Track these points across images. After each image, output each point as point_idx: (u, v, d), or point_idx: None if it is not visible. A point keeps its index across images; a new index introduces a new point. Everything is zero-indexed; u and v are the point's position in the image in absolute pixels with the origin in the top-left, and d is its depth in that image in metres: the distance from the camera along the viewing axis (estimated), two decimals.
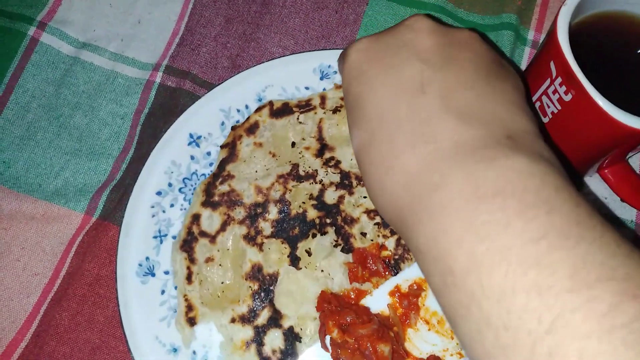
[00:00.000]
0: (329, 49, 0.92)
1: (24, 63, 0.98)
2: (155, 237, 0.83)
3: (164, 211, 0.85)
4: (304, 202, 0.84)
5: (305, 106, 0.89)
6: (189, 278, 0.80)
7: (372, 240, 0.82)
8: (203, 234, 0.83)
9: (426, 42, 0.57)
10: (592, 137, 0.73)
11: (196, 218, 0.83)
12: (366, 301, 0.80)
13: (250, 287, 0.80)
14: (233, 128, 0.88)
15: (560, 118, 0.75)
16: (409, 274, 0.81)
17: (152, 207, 0.84)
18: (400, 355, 0.76)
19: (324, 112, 0.89)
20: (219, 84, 0.90)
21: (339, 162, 0.86)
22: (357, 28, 1.00)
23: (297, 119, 0.89)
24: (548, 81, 0.73)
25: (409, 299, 0.80)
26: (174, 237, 0.84)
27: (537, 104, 0.78)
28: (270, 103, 0.89)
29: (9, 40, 0.98)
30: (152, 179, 0.85)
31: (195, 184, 0.86)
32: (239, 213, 0.84)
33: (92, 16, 1.01)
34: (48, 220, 0.88)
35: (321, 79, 0.91)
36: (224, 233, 0.83)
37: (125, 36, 1.00)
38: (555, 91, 0.72)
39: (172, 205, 0.85)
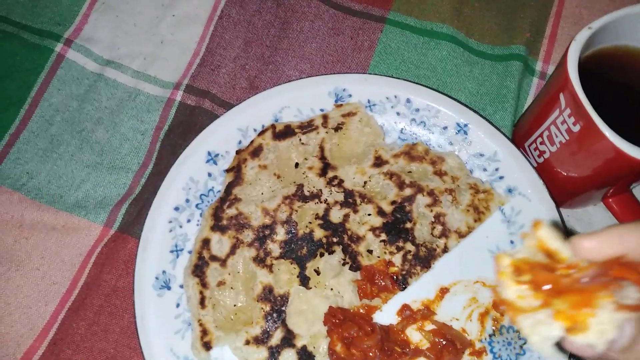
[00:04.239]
0: (344, 73, 0.95)
1: (50, 78, 1.01)
2: (172, 251, 0.86)
3: (180, 226, 0.87)
4: (310, 222, 0.86)
5: (307, 127, 0.92)
6: (202, 302, 0.82)
7: (378, 257, 0.84)
8: (214, 258, 0.85)
9: None
10: (598, 167, 0.75)
11: (206, 243, 0.85)
12: (375, 318, 0.83)
13: (262, 308, 0.82)
14: (237, 152, 0.91)
15: (568, 148, 0.78)
16: (417, 294, 0.84)
17: (170, 222, 0.87)
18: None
19: (326, 132, 0.92)
20: (237, 104, 0.93)
21: (342, 181, 0.89)
22: (371, 54, 1.03)
23: (300, 140, 0.91)
24: (557, 112, 0.76)
25: (414, 319, 0.83)
26: (190, 252, 0.86)
27: (546, 134, 0.81)
28: (273, 126, 0.92)
29: (37, 56, 1.02)
30: (170, 194, 0.88)
31: (212, 200, 0.89)
32: (248, 236, 0.86)
33: (117, 35, 1.05)
34: (68, 231, 0.91)
35: (336, 101, 0.94)
36: (233, 256, 0.85)
37: (148, 55, 1.04)
38: (564, 122, 0.75)
39: (188, 221, 0.88)
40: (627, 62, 0.80)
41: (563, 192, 0.86)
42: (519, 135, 0.92)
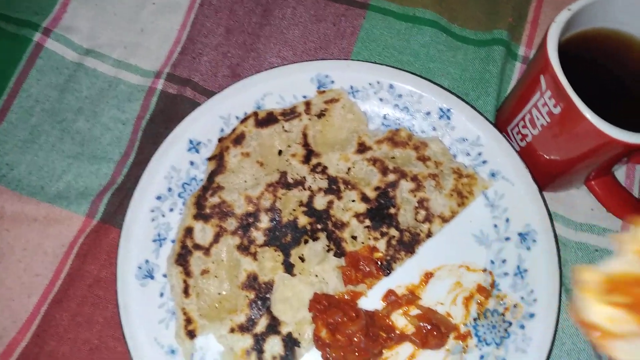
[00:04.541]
0: (326, 59, 0.94)
1: (28, 68, 1.00)
2: (154, 240, 0.85)
3: (163, 215, 0.87)
4: (294, 209, 0.86)
5: (290, 114, 0.91)
6: (186, 291, 0.81)
7: (363, 243, 0.84)
8: (197, 246, 0.84)
9: None
10: (579, 149, 0.75)
11: (189, 231, 0.85)
12: (360, 304, 0.82)
13: (246, 296, 0.81)
14: (220, 140, 0.90)
15: (550, 130, 0.78)
16: (402, 279, 0.84)
17: (152, 211, 0.86)
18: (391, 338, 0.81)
19: (309, 118, 0.91)
20: (219, 92, 0.92)
21: (325, 167, 0.89)
22: (354, 40, 1.03)
23: (282, 127, 0.91)
24: (538, 94, 0.76)
25: (399, 304, 0.83)
26: (172, 241, 0.85)
27: (527, 117, 0.81)
28: (255, 113, 0.91)
29: (15, 46, 1.00)
30: (152, 183, 0.87)
31: (194, 188, 0.88)
32: (231, 224, 0.85)
33: (96, 24, 1.04)
34: (50, 222, 0.90)
35: (318, 88, 0.93)
36: (217, 244, 0.84)
37: (128, 44, 1.03)
38: (545, 104, 0.75)
39: (171, 210, 0.87)
40: (606, 45, 0.80)
41: (546, 175, 0.86)
42: (502, 119, 0.92)
